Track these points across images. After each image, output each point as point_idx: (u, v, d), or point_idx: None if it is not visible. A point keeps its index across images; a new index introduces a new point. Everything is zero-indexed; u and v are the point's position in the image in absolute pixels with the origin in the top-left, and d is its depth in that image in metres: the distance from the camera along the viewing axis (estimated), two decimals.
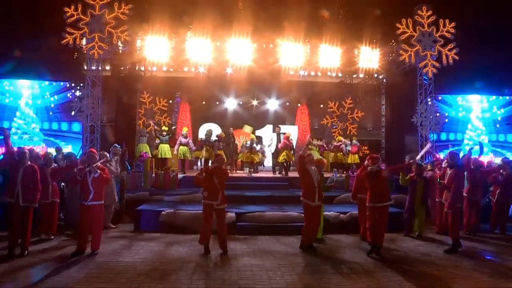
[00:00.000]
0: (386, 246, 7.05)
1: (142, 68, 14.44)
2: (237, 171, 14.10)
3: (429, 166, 9.53)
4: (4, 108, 15.33)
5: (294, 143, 14.19)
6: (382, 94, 15.43)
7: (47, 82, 15.57)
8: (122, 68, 13.67)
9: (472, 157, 8.32)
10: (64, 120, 15.59)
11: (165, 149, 12.65)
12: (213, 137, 13.15)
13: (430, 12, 12.13)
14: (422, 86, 12.82)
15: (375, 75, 14.92)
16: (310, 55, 12.71)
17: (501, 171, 9.18)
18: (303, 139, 15.73)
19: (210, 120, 16.41)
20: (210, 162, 10.41)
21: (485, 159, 13.07)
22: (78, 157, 9.27)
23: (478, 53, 15.86)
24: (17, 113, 15.38)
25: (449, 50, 12.02)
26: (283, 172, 12.92)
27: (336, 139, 14.68)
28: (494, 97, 17.77)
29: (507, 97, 17.82)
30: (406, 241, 7.93)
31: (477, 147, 8.69)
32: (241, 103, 16.60)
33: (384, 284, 5.33)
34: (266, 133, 16.25)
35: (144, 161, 11.50)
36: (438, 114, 13.31)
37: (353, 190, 8.17)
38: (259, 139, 14.78)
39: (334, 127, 16.33)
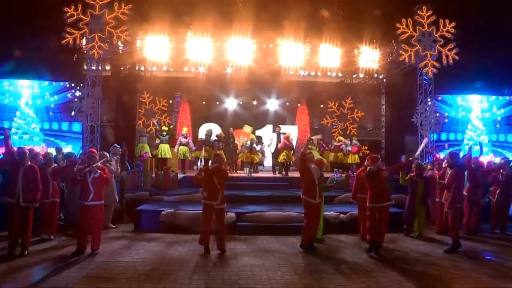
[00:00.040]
0: (386, 246, 7.05)
1: (142, 68, 14.45)
2: (237, 171, 14.11)
3: (429, 166, 9.53)
4: (4, 108, 15.33)
5: (294, 143, 14.19)
6: (382, 94, 15.43)
7: (46, 82, 15.57)
8: (122, 68, 13.67)
9: (472, 156, 8.33)
10: (64, 120, 15.58)
11: (165, 149, 12.65)
12: (213, 137, 13.15)
13: (430, 12, 12.13)
14: (422, 86, 12.82)
15: (375, 75, 14.93)
16: (310, 55, 12.72)
17: (501, 171, 9.18)
18: (303, 139, 15.74)
19: (210, 120, 16.41)
20: (210, 162, 10.41)
21: (485, 159, 13.07)
22: (78, 157, 9.27)
23: (478, 53, 15.86)
24: (17, 113, 15.38)
25: (449, 50, 12.01)
26: (283, 172, 12.92)
27: (337, 139, 14.69)
28: (494, 97, 17.76)
29: (507, 97, 17.81)
30: (406, 241, 7.92)
31: (477, 147, 8.69)
32: (241, 103, 16.61)
33: (384, 284, 5.33)
34: (266, 133, 16.26)
35: (144, 161, 11.50)
36: (438, 114, 13.30)
37: (353, 190, 8.17)
38: (259, 139, 14.78)
39: (334, 127, 16.33)
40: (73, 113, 12.44)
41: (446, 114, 16.94)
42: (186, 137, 13.00)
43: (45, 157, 7.98)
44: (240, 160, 13.96)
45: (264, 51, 12.57)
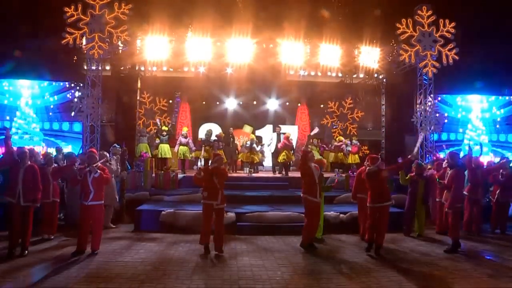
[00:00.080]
0: (386, 246, 7.06)
1: (142, 68, 14.44)
2: (237, 171, 14.11)
3: (429, 166, 9.53)
4: (4, 108, 15.32)
5: (294, 143, 14.19)
6: (382, 94, 15.42)
7: (46, 83, 15.56)
8: (122, 68, 13.66)
9: (473, 156, 8.33)
10: (64, 120, 15.58)
11: (165, 149, 12.66)
12: (213, 137, 13.16)
13: (430, 12, 12.13)
14: (422, 86, 12.82)
15: (375, 75, 14.92)
16: (310, 55, 12.71)
17: (501, 171, 9.18)
18: (303, 139, 15.74)
19: (210, 120, 16.42)
20: (210, 162, 10.41)
21: (485, 159, 13.07)
22: (77, 157, 9.27)
23: (478, 53, 15.84)
24: (17, 113, 15.38)
25: (449, 50, 12.01)
26: (283, 172, 12.92)
27: (337, 139, 14.69)
28: (493, 97, 17.76)
29: (507, 97, 17.80)
30: (406, 241, 7.93)
31: (477, 147, 8.69)
32: (241, 103, 16.61)
33: (384, 284, 5.33)
34: (266, 133, 16.26)
35: (144, 161, 11.50)
36: (438, 114, 13.30)
37: (353, 190, 8.19)
38: (259, 139, 14.79)
39: (334, 127, 16.33)
40: (73, 113, 12.43)
41: (446, 114, 16.94)
42: (186, 137, 13.00)
43: (45, 157, 7.99)
44: (240, 160, 13.96)
45: (264, 51, 12.57)
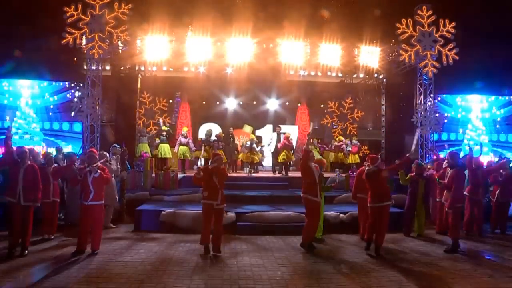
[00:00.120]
0: (386, 246, 7.06)
1: (142, 68, 14.44)
2: (237, 171, 14.10)
3: (429, 166, 9.53)
4: (4, 108, 15.33)
5: (294, 143, 14.19)
6: (382, 94, 15.43)
7: (46, 83, 15.56)
8: (122, 68, 13.67)
9: (473, 157, 8.33)
10: (64, 120, 15.58)
11: (165, 149, 12.66)
12: (213, 137, 13.16)
13: (430, 12, 12.13)
14: (422, 86, 12.82)
15: (375, 75, 14.93)
16: (310, 55, 12.72)
17: (501, 171, 9.18)
18: (303, 139, 15.75)
19: (210, 120, 16.42)
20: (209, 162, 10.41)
21: (484, 159, 13.07)
22: (78, 157, 9.27)
23: (478, 53, 15.83)
24: (18, 113, 15.38)
25: (449, 50, 12.01)
26: (283, 172, 12.92)
27: (337, 139, 14.69)
28: (493, 97, 17.76)
29: (507, 97, 17.81)
30: (406, 241, 7.93)
31: (477, 147, 8.69)
32: (241, 103, 16.61)
33: (384, 284, 5.33)
34: (266, 133, 16.26)
35: (144, 161, 11.50)
36: (438, 114, 13.30)
37: (353, 190, 8.19)
38: (259, 139, 14.78)
39: (334, 127, 16.33)
40: (73, 113, 12.43)
41: (447, 114, 16.94)
42: (186, 137, 13.01)
43: (46, 157, 7.99)
44: (240, 160, 13.96)
45: (264, 51, 12.58)
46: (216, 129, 15.06)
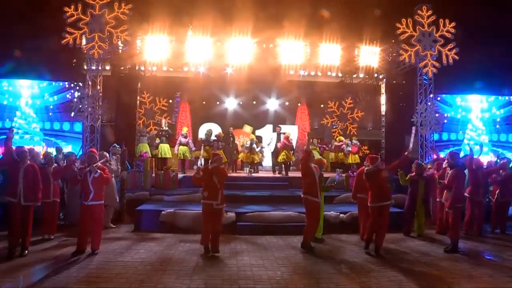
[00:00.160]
0: (386, 246, 7.06)
1: (142, 68, 14.44)
2: (237, 171, 14.10)
3: (429, 166, 9.53)
4: (4, 108, 15.33)
5: (294, 143, 14.18)
6: (382, 94, 15.43)
7: (46, 83, 15.56)
8: (122, 68, 13.67)
9: (474, 157, 8.33)
10: (64, 120, 15.58)
11: (165, 149, 12.66)
12: (213, 137, 13.16)
13: (430, 12, 12.14)
14: (422, 86, 12.83)
15: (375, 75, 14.93)
16: (310, 55, 12.72)
17: (500, 171, 9.18)
18: (303, 139, 15.75)
19: (210, 120, 16.42)
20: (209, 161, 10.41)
21: (484, 159, 13.07)
22: (78, 157, 9.28)
23: (478, 53, 15.83)
24: (18, 113, 15.38)
25: (449, 50, 12.02)
26: (283, 172, 12.91)
27: (337, 139, 14.69)
28: (493, 97, 17.76)
29: (507, 97, 17.81)
30: (406, 241, 7.93)
31: (477, 147, 8.69)
32: (241, 103, 16.61)
33: (384, 284, 5.33)
34: (266, 133, 16.26)
35: (144, 161, 11.50)
36: (438, 114, 13.29)
37: (353, 190, 8.19)
38: (259, 139, 14.78)
39: (334, 127, 16.33)
40: (72, 113, 12.43)
41: (446, 115, 16.94)
42: (186, 137, 13.01)
43: (46, 157, 7.99)
44: (240, 160, 13.96)
45: (264, 51, 12.58)
46: (216, 129, 15.06)
